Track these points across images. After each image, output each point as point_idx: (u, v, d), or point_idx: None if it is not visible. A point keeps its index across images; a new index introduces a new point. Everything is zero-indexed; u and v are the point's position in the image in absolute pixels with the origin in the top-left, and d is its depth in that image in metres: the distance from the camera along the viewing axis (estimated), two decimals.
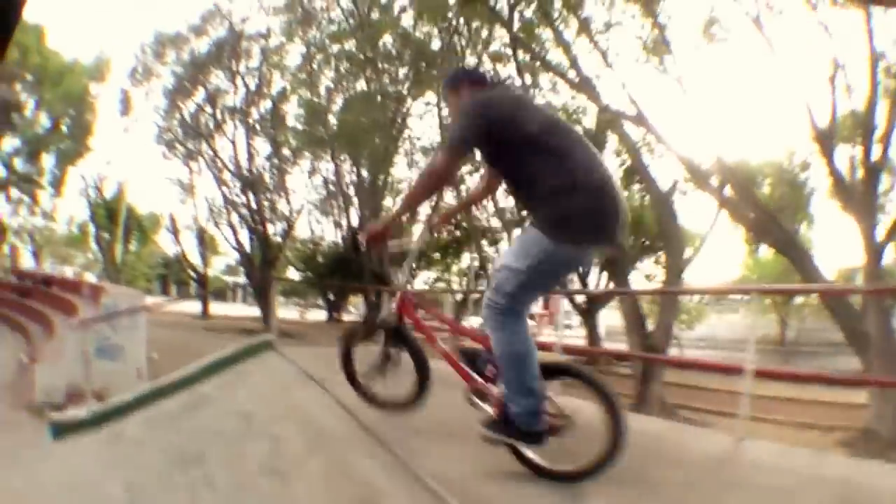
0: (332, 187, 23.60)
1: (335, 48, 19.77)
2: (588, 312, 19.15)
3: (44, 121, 25.67)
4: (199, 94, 23.37)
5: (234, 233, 24.44)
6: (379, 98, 18.95)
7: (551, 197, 2.01)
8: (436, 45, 18.02)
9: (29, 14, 24.38)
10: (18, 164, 25.20)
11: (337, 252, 24.32)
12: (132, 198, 29.86)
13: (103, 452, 4.32)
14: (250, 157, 23.59)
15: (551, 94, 16.88)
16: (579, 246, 2.08)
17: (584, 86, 13.53)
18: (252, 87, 22.94)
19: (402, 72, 18.95)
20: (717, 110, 33.60)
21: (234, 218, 24.54)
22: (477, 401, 2.35)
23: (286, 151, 23.67)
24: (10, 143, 25.01)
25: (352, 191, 22.51)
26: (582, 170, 2.02)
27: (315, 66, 21.04)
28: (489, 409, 2.28)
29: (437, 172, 2.14)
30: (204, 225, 26.89)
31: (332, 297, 27.56)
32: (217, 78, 23.00)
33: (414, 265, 2.70)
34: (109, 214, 27.59)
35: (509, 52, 15.97)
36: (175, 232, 27.86)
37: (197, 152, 24.22)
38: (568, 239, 2.03)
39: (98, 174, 27.54)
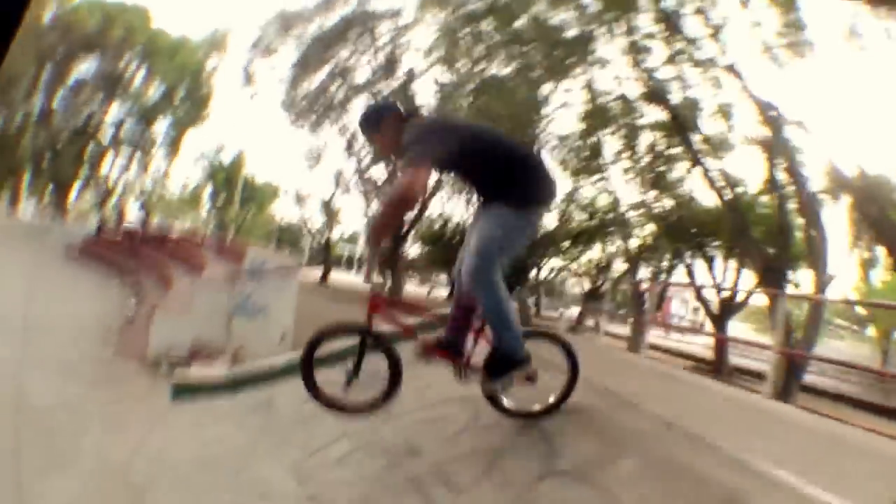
0: None
1: (467, 30, 19.05)
2: (720, 318, 17.38)
3: (156, 91, 27.31)
4: (327, 69, 23.27)
5: (368, 202, 24.03)
6: (513, 83, 18.00)
7: (508, 176, 2.51)
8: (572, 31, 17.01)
9: None
10: (129, 129, 27.23)
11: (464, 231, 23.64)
12: (252, 166, 30.86)
13: (249, 422, 3.73)
14: None
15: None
16: (532, 211, 2.61)
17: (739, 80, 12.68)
18: (381, 64, 22.45)
19: (537, 57, 18.08)
20: (857, 118, 30.02)
21: (362, 189, 24.22)
22: (467, 373, 2.71)
23: None
24: (120, 110, 27.19)
25: None
26: (519, 154, 2.61)
27: (448, 47, 20.36)
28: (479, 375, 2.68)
29: (407, 194, 2.29)
30: (330, 194, 27.27)
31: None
32: (346, 54, 22.70)
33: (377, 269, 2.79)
34: (227, 179, 28.63)
35: (650, 43, 15.25)
36: (299, 199, 28.37)
37: (325, 124, 24.28)
38: (524, 208, 2.52)
39: (218, 140, 28.66)
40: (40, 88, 25.28)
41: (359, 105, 22.49)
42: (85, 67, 25.80)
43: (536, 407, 2.84)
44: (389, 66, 21.56)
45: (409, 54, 21.30)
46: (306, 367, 2.71)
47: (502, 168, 2.51)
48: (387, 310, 2.75)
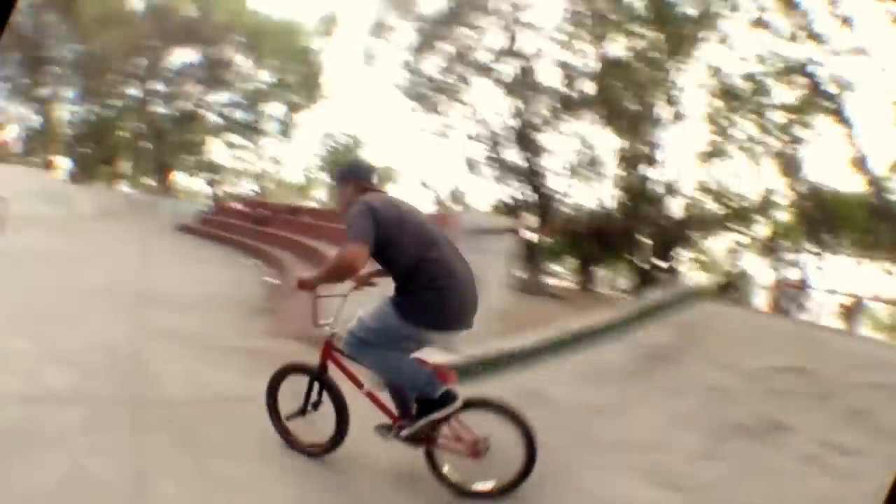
0: (589, 152, 21.29)
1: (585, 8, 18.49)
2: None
3: (264, 76, 27.75)
4: (446, 49, 22.32)
5: (504, 184, 22.52)
6: (634, 62, 17.61)
7: (415, 289, 2.53)
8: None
9: None
10: (239, 114, 27.80)
11: (598, 220, 22.49)
12: (370, 149, 30.83)
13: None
14: (510, 114, 21.84)
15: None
16: (420, 329, 2.56)
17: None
18: (503, 44, 21.64)
19: (660, 36, 17.20)
20: None
21: (492, 173, 22.81)
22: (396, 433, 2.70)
23: (544, 111, 21.43)
24: (227, 96, 27.79)
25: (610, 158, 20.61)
26: (438, 270, 2.53)
27: (571, 27, 19.45)
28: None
29: (346, 265, 2.47)
30: (454, 179, 26.78)
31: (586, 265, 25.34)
32: (466, 35, 21.73)
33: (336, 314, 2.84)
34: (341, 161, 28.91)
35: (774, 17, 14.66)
36: (424, 185, 28.04)
37: (448, 106, 23.30)
38: (413, 323, 2.53)
39: (334, 123, 28.73)
40: (140, 75, 26.36)
41: (482, 85, 21.88)
42: (185, 54, 26.74)
43: (488, 486, 2.67)
44: (510, 45, 20.76)
45: (527, 34, 20.44)
46: (270, 397, 2.99)
47: (413, 279, 2.55)
48: (341, 361, 2.83)
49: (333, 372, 2.85)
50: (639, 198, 18.43)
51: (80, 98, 26.15)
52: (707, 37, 16.29)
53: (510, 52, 20.65)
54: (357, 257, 2.43)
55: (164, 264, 10.98)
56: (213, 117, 27.61)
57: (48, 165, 25.63)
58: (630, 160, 19.03)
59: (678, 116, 18.08)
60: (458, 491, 2.66)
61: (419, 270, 2.52)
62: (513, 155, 21.59)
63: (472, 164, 23.36)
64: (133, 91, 26.68)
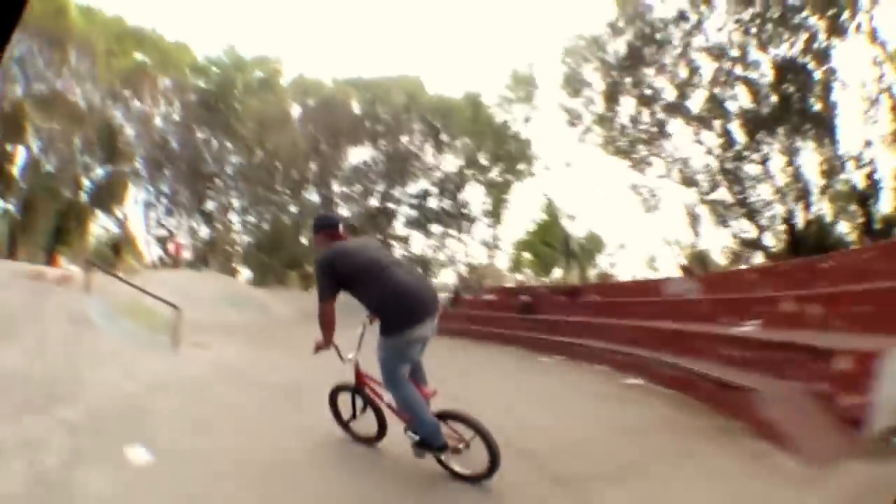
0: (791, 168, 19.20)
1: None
2: None
3: (454, 159, 24.77)
4: (633, 95, 20.62)
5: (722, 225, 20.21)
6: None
7: (380, 308, 3.21)
8: None
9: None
10: (435, 202, 24.56)
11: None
12: (579, 218, 26.43)
13: None
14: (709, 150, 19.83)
15: None
16: (404, 332, 3.17)
17: None
18: (682, 76, 19.65)
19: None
20: None
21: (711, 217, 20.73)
22: (409, 433, 3.42)
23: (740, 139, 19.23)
24: (418, 185, 24.89)
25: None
26: (387, 289, 3.19)
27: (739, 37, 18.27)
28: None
29: (325, 320, 3.28)
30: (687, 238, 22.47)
31: None
32: (649, 73, 20.25)
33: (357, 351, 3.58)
34: (549, 236, 24.55)
35: None
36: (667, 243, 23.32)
37: (649, 155, 20.97)
38: (395, 331, 3.17)
39: (542, 195, 24.89)
40: (315, 179, 24.94)
41: (676, 129, 20.72)
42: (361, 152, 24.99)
43: (470, 472, 3.33)
44: (691, 74, 19.70)
45: (703, 57, 19.53)
46: (332, 407, 4.07)
47: (373, 301, 3.24)
48: (366, 379, 3.70)
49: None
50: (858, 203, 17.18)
51: (250, 207, 25.39)
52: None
53: (692, 84, 19.86)
54: (327, 311, 3.25)
55: (456, 376, 6.56)
56: (406, 210, 24.78)
57: (231, 271, 24.37)
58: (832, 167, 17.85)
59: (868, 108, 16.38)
60: (452, 473, 3.41)
61: (380, 292, 3.20)
62: (723, 193, 20.39)
63: (690, 212, 21.61)
64: (311, 195, 25.29)
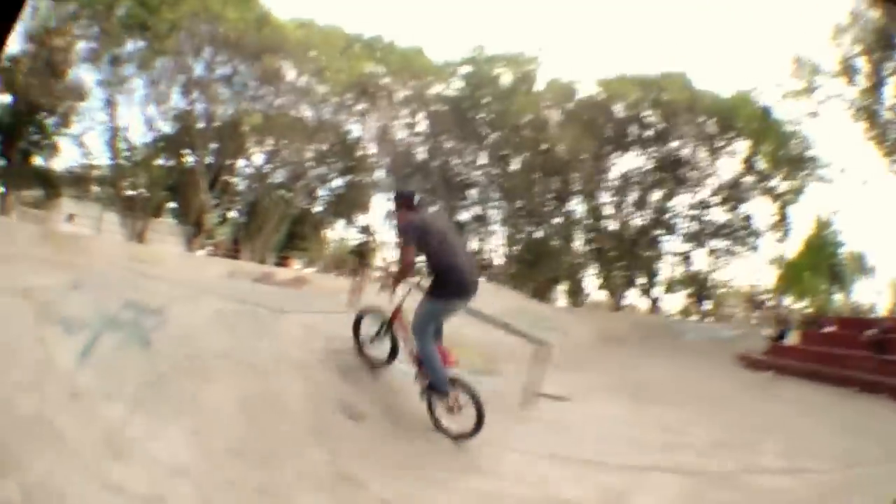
0: None
1: None
2: None
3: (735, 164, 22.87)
4: None
5: None
6: None
7: (437, 274, 4.21)
8: None
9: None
10: (715, 214, 23.24)
11: None
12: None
13: None
14: None
15: None
16: (446, 300, 4.25)
17: None
18: None
19: None
20: None
21: None
22: (419, 379, 4.43)
23: None
24: (694, 195, 23.55)
25: None
26: (449, 261, 4.20)
27: None
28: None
29: (403, 265, 4.28)
30: None
31: None
32: None
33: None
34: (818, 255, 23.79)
35: None
36: None
37: None
38: (440, 297, 4.21)
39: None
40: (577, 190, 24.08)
41: None
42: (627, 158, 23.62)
43: (457, 430, 4.31)
44: None
45: None
46: (356, 329, 4.94)
47: (434, 267, 4.23)
48: (399, 317, 4.55)
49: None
50: None
51: (508, 219, 25.70)
52: None
53: None
54: (407, 254, 4.23)
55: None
56: (683, 223, 23.47)
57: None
58: None
59: None
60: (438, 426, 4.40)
61: (440, 261, 4.19)
62: None
63: None
64: (576, 206, 24.96)
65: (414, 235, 4.21)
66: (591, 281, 24.87)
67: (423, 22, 49.15)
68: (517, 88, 23.73)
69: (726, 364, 12.76)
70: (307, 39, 23.11)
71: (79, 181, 24.65)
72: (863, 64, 19.65)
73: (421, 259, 4.38)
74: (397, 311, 4.54)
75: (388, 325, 4.61)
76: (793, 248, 22.86)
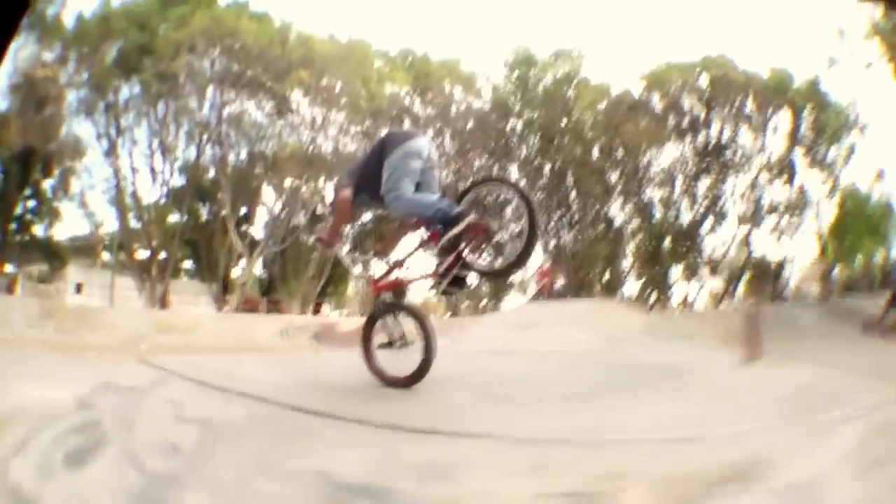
0: None
1: None
2: None
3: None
4: None
5: None
6: None
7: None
8: None
9: None
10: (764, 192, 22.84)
11: None
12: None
13: None
14: None
15: None
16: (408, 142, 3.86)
17: None
18: None
19: None
20: None
21: None
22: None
23: None
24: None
25: None
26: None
27: None
28: None
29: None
30: None
31: None
32: None
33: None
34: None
35: None
36: None
37: None
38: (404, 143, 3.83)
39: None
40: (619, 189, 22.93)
41: None
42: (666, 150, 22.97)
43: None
44: None
45: None
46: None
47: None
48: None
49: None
50: None
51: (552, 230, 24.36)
52: None
53: None
54: (342, 195, 3.91)
55: None
56: (736, 207, 22.42)
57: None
58: None
59: None
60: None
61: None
62: None
63: None
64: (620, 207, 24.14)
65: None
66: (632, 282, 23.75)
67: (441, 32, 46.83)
68: (558, 91, 22.82)
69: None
70: (336, 53, 21.56)
71: (85, 248, 22.52)
72: None
73: None
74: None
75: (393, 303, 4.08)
76: (842, 213, 22.53)
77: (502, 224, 3.35)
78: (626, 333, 12.23)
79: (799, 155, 22.07)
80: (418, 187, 3.71)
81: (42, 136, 19.44)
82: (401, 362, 3.65)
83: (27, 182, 20.30)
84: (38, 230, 21.24)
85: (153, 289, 21.26)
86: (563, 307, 15.11)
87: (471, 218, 3.42)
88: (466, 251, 3.51)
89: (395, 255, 4.06)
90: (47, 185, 21.01)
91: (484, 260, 3.49)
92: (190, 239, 22.20)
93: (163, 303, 20.97)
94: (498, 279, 3.62)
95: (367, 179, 3.76)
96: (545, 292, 20.73)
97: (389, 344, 3.67)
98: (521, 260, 3.37)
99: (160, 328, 14.34)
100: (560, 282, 21.82)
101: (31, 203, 20.71)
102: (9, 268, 21.14)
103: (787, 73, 21.60)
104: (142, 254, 21.90)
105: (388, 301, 3.91)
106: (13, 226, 20.03)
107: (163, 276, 21.55)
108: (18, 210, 20.41)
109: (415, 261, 4.04)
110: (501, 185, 3.48)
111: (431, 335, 3.63)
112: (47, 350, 9.16)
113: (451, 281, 3.57)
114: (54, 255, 21.16)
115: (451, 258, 3.50)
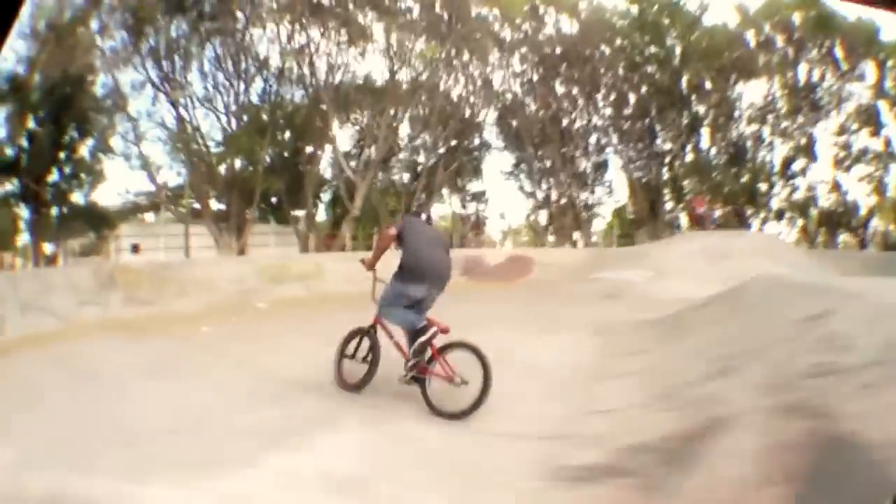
0: None
1: None
2: None
3: None
4: None
5: None
6: None
7: (404, 264, 4.43)
8: None
9: None
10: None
11: None
12: None
13: None
14: None
15: None
16: (406, 285, 4.41)
17: None
18: None
19: None
20: None
21: None
22: (408, 365, 4.33)
23: None
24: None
25: None
26: (420, 258, 4.42)
27: None
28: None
29: (383, 236, 4.81)
30: None
31: None
32: None
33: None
34: None
35: None
36: None
37: None
38: (402, 281, 4.43)
39: None
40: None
41: None
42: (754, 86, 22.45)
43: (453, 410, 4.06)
44: None
45: None
46: (344, 343, 4.85)
47: (407, 256, 4.44)
48: (380, 320, 4.67)
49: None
50: None
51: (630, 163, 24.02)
52: None
53: None
54: (386, 233, 4.66)
55: None
56: (826, 150, 22.25)
57: None
58: None
59: None
60: (435, 412, 4.08)
61: (410, 254, 4.42)
62: None
63: None
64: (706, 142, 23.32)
65: (400, 230, 4.61)
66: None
67: None
68: (644, 20, 21.55)
69: None
70: None
71: (136, 208, 20.94)
72: None
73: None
74: (377, 318, 4.71)
75: (367, 334, 4.74)
76: None
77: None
78: (805, 266, 12.34)
79: (884, 108, 21.92)
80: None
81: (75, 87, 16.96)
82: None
83: (60, 145, 17.58)
84: (76, 198, 18.41)
85: (228, 237, 19.70)
86: (731, 239, 14.30)
87: (432, 331, 4.27)
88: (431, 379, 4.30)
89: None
90: (84, 148, 18.15)
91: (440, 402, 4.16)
92: (271, 178, 20.38)
93: (242, 250, 19.53)
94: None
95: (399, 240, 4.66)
96: (704, 222, 19.90)
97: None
98: (476, 404, 4.00)
99: (270, 278, 12.96)
100: (716, 212, 21.40)
101: (66, 169, 17.96)
102: (48, 247, 18.66)
103: (874, 25, 21.17)
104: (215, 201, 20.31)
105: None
106: (47, 195, 17.37)
107: (242, 220, 19.97)
108: (53, 178, 17.71)
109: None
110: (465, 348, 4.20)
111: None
112: (131, 336, 7.06)
113: (414, 377, 4.35)
114: (100, 221, 18.83)
115: (419, 364, 4.32)
